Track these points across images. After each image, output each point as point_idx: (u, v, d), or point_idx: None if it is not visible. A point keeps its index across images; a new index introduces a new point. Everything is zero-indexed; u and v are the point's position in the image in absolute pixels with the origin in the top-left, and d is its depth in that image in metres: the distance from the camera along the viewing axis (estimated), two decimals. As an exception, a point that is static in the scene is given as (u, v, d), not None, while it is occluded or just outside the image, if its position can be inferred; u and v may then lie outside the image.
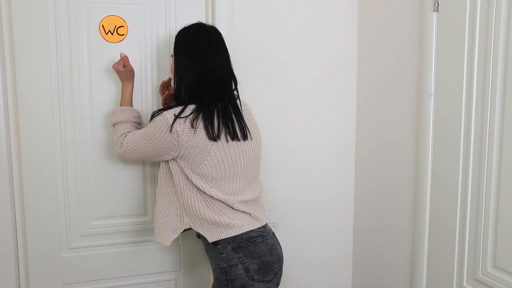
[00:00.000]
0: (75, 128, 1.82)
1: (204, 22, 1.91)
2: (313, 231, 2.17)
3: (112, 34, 1.81)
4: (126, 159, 1.68)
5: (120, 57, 1.76)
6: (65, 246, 1.87)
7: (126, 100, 1.76)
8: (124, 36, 1.83)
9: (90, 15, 1.78)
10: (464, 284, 1.58)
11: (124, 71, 1.75)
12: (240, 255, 1.56)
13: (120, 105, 1.77)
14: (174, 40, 1.61)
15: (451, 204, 1.60)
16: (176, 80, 1.58)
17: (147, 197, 1.93)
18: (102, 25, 1.80)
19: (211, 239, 1.58)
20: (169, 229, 1.63)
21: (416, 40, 1.73)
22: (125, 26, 1.82)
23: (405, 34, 1.80)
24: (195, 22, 1.64)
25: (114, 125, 1.73)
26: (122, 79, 1.78)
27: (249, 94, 1.97)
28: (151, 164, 1.92)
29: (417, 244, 1.76)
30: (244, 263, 1.56)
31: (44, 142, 1.79)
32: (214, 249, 1.59)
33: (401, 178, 1.86)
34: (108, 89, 1.83)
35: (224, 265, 1.57)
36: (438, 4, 1.61)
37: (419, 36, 1.70)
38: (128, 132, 1.68)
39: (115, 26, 1.81)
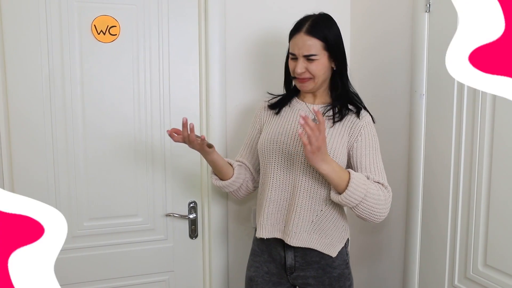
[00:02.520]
0: (66, 129, 1.81)
1: (197, 22, 1.91)
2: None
3: (104, 34, 1.80)
4: None
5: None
6: (57, 247, 1.85)
7: None
8: (116, 36, 1.82)
9: (82, 14, 1.77)
10: (456, 282, 1.59)
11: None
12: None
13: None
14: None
15: (442, 203, 1.62)
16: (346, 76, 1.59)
17: (140, 198, 1.92)
18: (94, 25, 1.79)
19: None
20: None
21: (408, 41, 1.74)
22: (117, 26, 1.81)
23: (397, 34, 1.81)
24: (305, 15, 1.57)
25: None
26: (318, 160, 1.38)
27: (241, 94, 1.97)
28: (143, 164, 1.91)
29: (409, 243, 1.77)
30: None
31: (35, 143, 1.78)
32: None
33: (393, 177, 1.87)
34: (100, 89, 1.82)
35: (347, 259, 1.63)
36: (429, 5, 1.62)
37: (411, 36, 1.72)
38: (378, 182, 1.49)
39: (107, 26, 1.80)
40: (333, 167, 1.39)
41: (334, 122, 1.54)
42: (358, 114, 1.56)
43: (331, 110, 1.56)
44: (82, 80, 1.80)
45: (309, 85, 1.55)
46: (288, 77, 1.64)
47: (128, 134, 1.88)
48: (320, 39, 1.49)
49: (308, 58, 1.50)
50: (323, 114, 1.56)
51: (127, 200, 1.91)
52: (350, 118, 1.56)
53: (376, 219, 1.45)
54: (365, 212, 1.42)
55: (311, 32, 1.48)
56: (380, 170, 1.51)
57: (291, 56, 1.55)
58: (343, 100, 1.57)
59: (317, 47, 1.49)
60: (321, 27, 1.49)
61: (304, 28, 1.50)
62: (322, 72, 1.52)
